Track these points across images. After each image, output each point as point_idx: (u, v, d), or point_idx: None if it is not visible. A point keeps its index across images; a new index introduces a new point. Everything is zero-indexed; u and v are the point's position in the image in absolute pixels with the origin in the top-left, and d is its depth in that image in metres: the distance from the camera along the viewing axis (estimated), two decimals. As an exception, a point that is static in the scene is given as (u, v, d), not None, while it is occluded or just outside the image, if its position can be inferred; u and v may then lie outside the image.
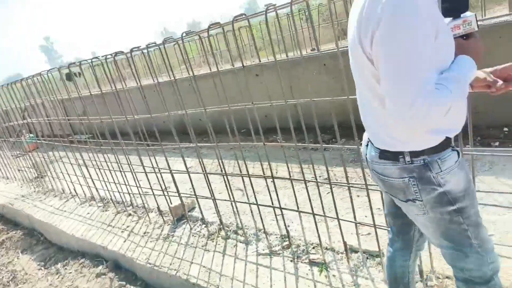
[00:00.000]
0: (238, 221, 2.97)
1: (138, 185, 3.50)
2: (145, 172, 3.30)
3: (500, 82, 1.10)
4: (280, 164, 3.70)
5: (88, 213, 4.02)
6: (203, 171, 2.87)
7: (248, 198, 2.83)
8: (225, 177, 2.76)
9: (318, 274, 2.23)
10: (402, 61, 0.92)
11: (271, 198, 2.56)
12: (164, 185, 3.34)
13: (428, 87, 0.92)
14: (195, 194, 2.99)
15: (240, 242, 2.78)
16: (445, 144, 1.10)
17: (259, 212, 2.65)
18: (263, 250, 2.61)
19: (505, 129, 3.59)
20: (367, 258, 2.25)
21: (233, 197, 2.75)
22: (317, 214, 2.29)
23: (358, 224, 2.15)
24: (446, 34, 0.99)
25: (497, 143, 3.43)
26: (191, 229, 3.13)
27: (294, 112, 2.12)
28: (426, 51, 0.92)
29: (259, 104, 2.28)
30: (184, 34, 2.43)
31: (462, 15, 1.02)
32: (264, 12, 1.97)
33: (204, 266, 2.59)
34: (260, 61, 3.20)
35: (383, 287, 1.99)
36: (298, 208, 2.42)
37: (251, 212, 2.81)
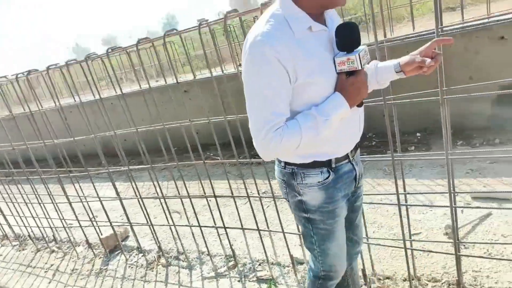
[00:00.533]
0: (179, 246, 2.82)
1: (61, 217, 3.14)
2: (69, 202, 2.98)
3: (429, 60, 1.19)
4: (216, 181, 3.64)
5: (1, 255, 3.50)
6: (137, 196, 2.69)
7: (188, 220, 2.71)
8: (162, 200, 2.61)
9: (267, 291, 2.21)
10: (250, 102, 1.10)
11: (213, 217, 2.48)
12: (92, 214, 3.06)
13: (269, 125, 1.06)
14: (128, 222, 2.78)
15: (183, 268, 2.64)
16: (315, 164, 1.23)
17: (202, 234, 2.55)
18: (208, 273, 2.51)
19: (418, 134, 3.99)
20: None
21: (172, 221, 2.61)
22: (262, 230, 2.27)
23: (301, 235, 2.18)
24: (312, 75, 1.07)
25: (412, 147, 3.79)
26: (126, 260, 2.90)
27: (231, 127, 2.09)
28: (271, 94, 1.05)
29: (196, 121, 2.21)
30: (110, 50, 2.28)
31: (355, 50, 1.07)
32: (198, 27, 1.93)
33: (145, 299, 2.40)
34: (194, 76, 3.14)
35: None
36: (242, 225, 2.38)
37: (192, 234, 2.69)
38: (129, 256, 2.93)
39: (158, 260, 2.79)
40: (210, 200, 2.46)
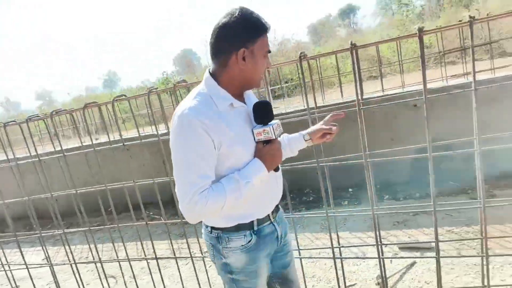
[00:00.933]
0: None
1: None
2: (-11, 272, 2.70)
3: (334, 127, 1.46)
4: (156, 241, 3.54)
5: None
6: (69, 261, 2.53)
7: (125, 285, 2.57)
8: (97, 264, 2.49)
9: None
10: (177, 166, 1.21)
11: (153, 280, 2.41)
12: (15, 283, 2.78)
13: (196, 188, 1.17)
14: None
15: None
16: (238, 228, 1.33)
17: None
18: None
19: (350, 190, 4.31)
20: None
21: (108, 286, 2.47)
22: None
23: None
24: (234, 146, 1.24)
25: (346, 202, 4.07)
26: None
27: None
28: (198, 159, 1.18)
29: (140, 182, 2.23)
30: (54, 112, 2.29)
31: (269, 123, 1.27)
32: (148, 94, 2.04)
33: None
34: (139, 135, 3.17)
35: None
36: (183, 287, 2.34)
37: (130, 300, 2.56)
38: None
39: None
40: (149, 262, 2.40)
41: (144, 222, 2.25)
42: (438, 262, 1.80)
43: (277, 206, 1.45)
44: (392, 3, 22.55)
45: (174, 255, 2.30)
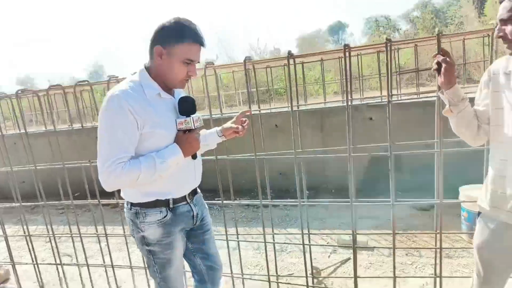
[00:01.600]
0: (64, 286, 2.76)
1: None
2: None
3: (240, 126, 1.72)
4: (114, 226, 3.68)
5: None
6: (24, 233, 2.65)
7: (78, 266, 2.68)
8: (51, 239, 2.62)
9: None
10: (102, 139, 1.37)
11: (103, 257, 2.55)
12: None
13: (114, 158, 1.34)
14: (11, 261, 2.68)
15: (65, 310, 2.59)
16: (156, 204, 1.51)
17: (89, 276, 2.57)
18: (91, 314, 2.50)
19: (307, 192, 4.55)
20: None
21: (60, 260, 2.60)
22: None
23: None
24: (156, 128, 1.41)
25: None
26: (3, 303, 2.73)
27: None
28: (120, 135, 1.35)
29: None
30: (19, 91, 2.42)
31: (191, 116, 1.46)
32: (107, 82, 2.21)
33: None
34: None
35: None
36: (131, 265, 2.49)
37: (80, 276, 2.68)
38: (6, 300, 2.77)
39: (38, 303, 2.68)
40: (102, 242, 2.54)
41: (97, 201, 2.40)
42: (354, 251, 2.02)
43: (195, 190, 1.66)
44: (381, 26, 23.31)
45: (124, 233, 2.46)
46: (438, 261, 1.93)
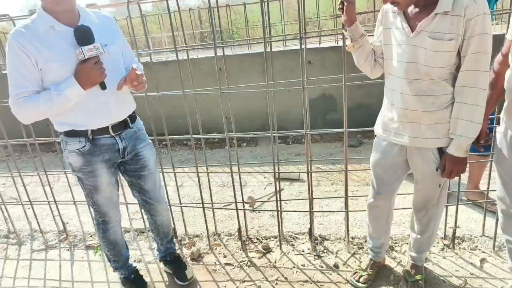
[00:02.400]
0: (10, 226, 2.87)
1: None
2: None
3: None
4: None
5: None
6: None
7: (22, 205, 2.77)
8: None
9: (93, 255, 2.51)
10: (8, 77, 1.53)
11: (46, 194, 2.66)
12: None
13: (15, 93, 1.51)
14: (-48, 203, 2.72)
15: (12, 244, 2.73)
16: (73, 133, 1.65)
17: (34, 213, 2.68)
18: (38, 247, 2.66)
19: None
20: (138, 234, 2.68)
21: (2, 199, 2.68)
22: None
23: (128, 205, 2.56)
24: (48, 62, 1.49)
25: (245, 144, 4.55)
26: None
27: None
28: (17, 73, 1.50)
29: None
30: None
31: (84, 46, 1.47)
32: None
33: (-37, 275, 2.42)
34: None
35: (149, 252, 2.47)
36: (74, 199, 2.63)
37: (25, 214, 2.79)
38: (-50, 240, 2.84)
39: (-17, 241, 2.79)
40: (52, 187, 2.63)
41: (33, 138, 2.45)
42: (276, 178, 2.29)
43: (125, 124, 1.74)
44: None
45: (64, 168, 2.56)
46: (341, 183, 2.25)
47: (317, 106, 4.40)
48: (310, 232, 2.38)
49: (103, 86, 1.59)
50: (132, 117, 1.80)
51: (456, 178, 1.67)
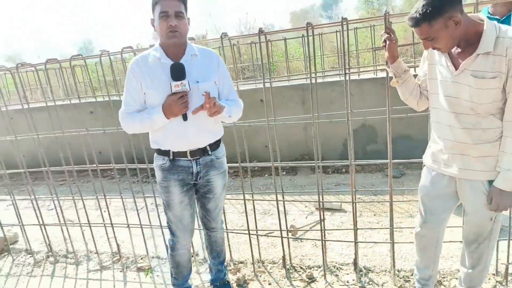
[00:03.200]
0: (69, 246, 3.09)
1: None
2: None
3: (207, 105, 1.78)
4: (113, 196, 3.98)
5: None
6: (30, 196, 2.96)
7: (80, 226, 2.99)
8: (55, 202, 2.92)
9: (144, 277, 2.65)
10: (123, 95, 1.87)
11: (102, 217, 2.87)
12: (-19, 218, 3.17)
13: (121, 111, 1.86)
14: (20, 222, 2.99)
15: (70, 264, 2.93)
16: (160, 151, 1.92)
17: (92, 235, 2.89)
18: (94, 267, 2.84)
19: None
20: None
21: (64, 221, 2.91)
22: (144, 226, 2.74)
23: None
24: (148, 89, 1.79)
25: (284, 173, 4.62)
26: (13, 260, 3.06)
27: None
28: (126, 95, 1.85)
29: (93, 131, 2.65)
30: (19, 65, 2.65)
31: (180, 81, 1.71)
32: (99, 56, 2.45)
33: (29, 290, 2.63)
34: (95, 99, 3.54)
35: (197, 276, 2.57)
36: (127, 223, 2.81)
37: (83, 234, 3.00)
38: (16, 258, 3.09)
39: (46, 259, 3.01)
40: (104, 211, 2.84)
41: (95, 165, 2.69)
42: (321, 209, 2.35)
43: (204, 152, 1.91)
44: (372, 1, 23.11)
45: (120, 194, 2.77)
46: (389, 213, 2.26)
47: (357, 137, 4.43)
48: (355, 262, 2.38)
49: (184, 118, 1.80)
50: (213, 146, 1.95)
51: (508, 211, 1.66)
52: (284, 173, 4.60)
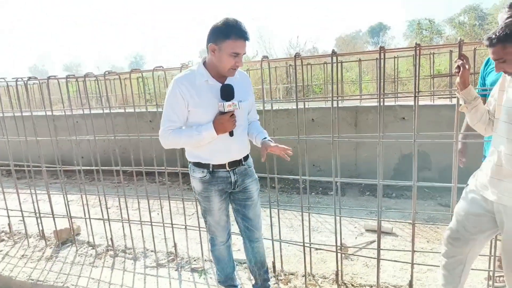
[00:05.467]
0: (128, 242, 3.28)
1: (20, 209, 3.49)
2: (35, 193, 3.37)
3: (265, 152, 1.98)
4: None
5: None
6: (98, 191, 3.19)
7: (141, 224, 3.18)
8: (120, 198, 3.14)
9: (198, 277, 2.76)
10: (163, 110, 1.94)
11: (162, 218, 3.04)
12: (51, 208, 3.45)
13: (166, 125, 1.91)
14: (88, 216, 3.23)
15: (129, 259, 3.11)
16: (199, 164, 2.02)
17: (152, 234, 3.06)
18: (151, 264, 3.00)
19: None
20: (237, 265, 2.88)
21: (128, 217, 3.12)
22: (202, 228, 2.86)
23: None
24: (197, 107, 1.88)
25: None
26: (77, 250, 3.29)
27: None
28: (171, 110, 1.90)
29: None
30: (107, 72, 2.93)
31: (226, 101, 1.84)
32: (152, 71, 2.68)
33: (92, 278, 2.82)
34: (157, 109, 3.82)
35: (248, 282, 2.64)
36: (185, 225, 2.96)
37: (142, 232, 3.19)
38: (79, 248, 3.33)
39: (106, 252, 3.22)
40: (158, 214, 3.02)
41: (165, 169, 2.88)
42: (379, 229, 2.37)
43: (240, 162, 2.06)
44: (423, 29, 22.81)
45: (182, 196, 2.93)
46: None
47: (410, 162, 4.38)
48: (411, 285, 2.36)
49: (231, 134, 1.96)
50: (245, 157, 2.13)
51: None
52: (332, 193, 4.60)
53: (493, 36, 1.50)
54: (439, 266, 2.58)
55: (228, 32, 1.76)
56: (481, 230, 1.79)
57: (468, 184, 1.86)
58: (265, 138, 2.04)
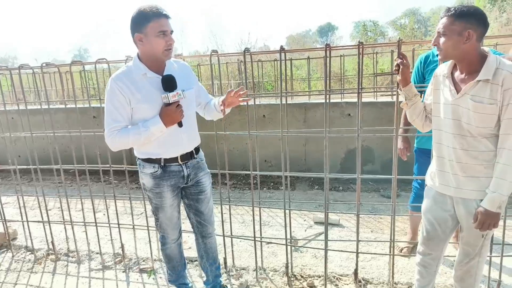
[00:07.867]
0: (70, 245, 3.10)
1: None
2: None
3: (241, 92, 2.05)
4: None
5: None
6: (37, 193, 2.99)
7: (85, 225, 3.02)
8: (62, 199, 2.96)
9: (147, 278, 2.68)
10: (104, 112, 1.86)
11: (108, 218, 2.91)
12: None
13: (110, 127, 1.83)
14: (26, 218, 3.01)
15: (72, 262, 2.94)
16: (149, 160, 1.97)
17: (98, 235, 2.92)
18: (96, 266, 2.86)
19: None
20: (188, 262, 2.85)
21: (70, 219, 2.94)
22: (151, 227, 2.79)
23: (183, 234, 2.76)
24: (139, 103, 1.82)
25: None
26: (13, 256, 3.05)
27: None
28: (113, 109, 1.82)
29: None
30: (44, 64, 2.74)
31: (169, 92, 1.80)
32: (95, 63, 2.57)
33: (31, 285, 2.64)
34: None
35: (199, 280, 2.62)
36: (133, 224, 2.86)
37: (86, 234, 3.03)
38: (16, 254, 3.09)
39: (46, 257, 3.02)
40: (104, 214, 2.89)
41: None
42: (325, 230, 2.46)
43: (191, 155, 2.04)
44: (368, 30, 23.97)
45: (129, 195, 2.82)
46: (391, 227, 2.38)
47: (354, 157, 4.59)
48: (356, 273, 2.48)
49: (180, 124, 1.92)
50: (197, 149, 2.11)
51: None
52: (282, 187, 4.70)
53: (451, 8, 1.63)
54: (385, 254, 2.76)
55: (147, 16, 1.75)
56: (451, 229, 1.89)
57: (426, 185, 1.95)
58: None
